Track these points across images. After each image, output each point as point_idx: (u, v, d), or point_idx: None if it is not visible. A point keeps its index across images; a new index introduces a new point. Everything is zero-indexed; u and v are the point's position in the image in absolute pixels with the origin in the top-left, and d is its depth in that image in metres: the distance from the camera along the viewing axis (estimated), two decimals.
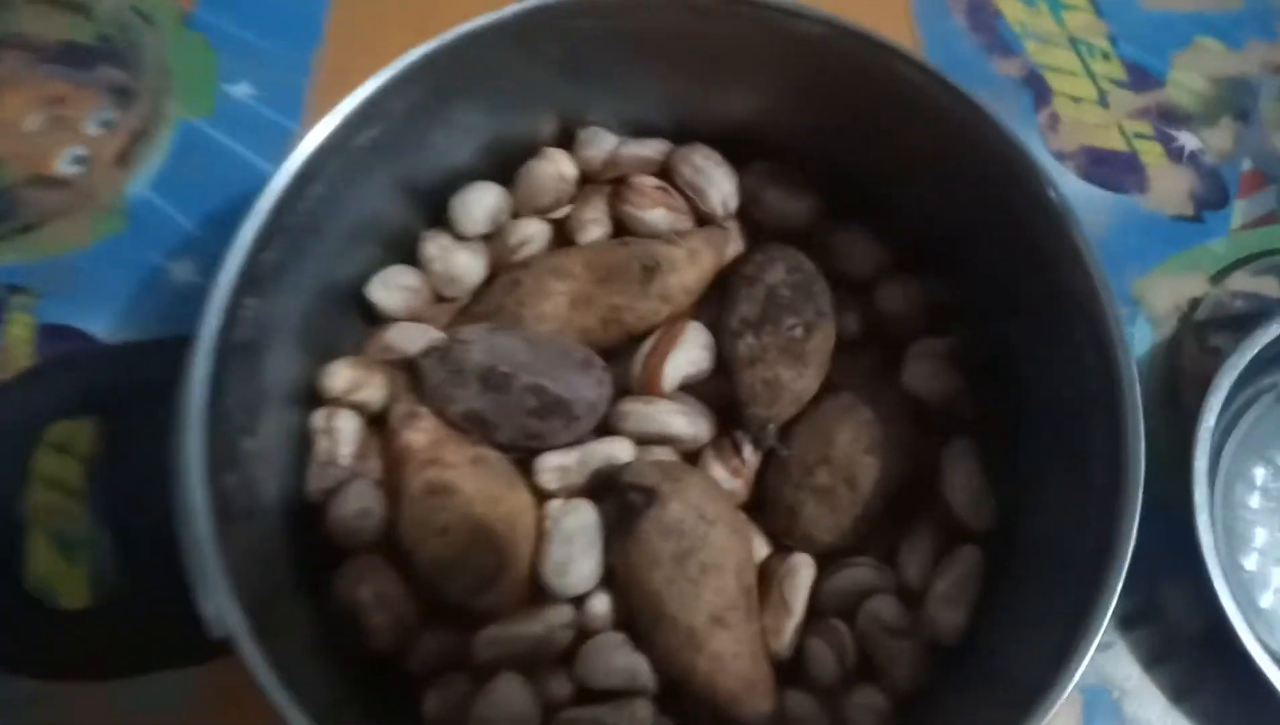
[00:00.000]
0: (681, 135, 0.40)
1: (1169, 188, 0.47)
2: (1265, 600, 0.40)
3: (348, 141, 0.31)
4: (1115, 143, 0.48)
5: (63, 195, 0.45)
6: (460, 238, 0.38)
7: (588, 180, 0.40)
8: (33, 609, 0.26)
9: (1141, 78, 0.50)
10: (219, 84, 0.47)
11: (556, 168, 0.38)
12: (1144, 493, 0.38)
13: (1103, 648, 0.39)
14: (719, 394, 0.37)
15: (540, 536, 0.34)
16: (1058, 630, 0.28)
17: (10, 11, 0.49)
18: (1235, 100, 0.50)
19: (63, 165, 0.45)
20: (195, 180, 0.45)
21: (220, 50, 0.48)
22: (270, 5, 0.48)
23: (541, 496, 0.35)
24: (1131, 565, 0.40)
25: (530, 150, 0.39)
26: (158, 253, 0.43)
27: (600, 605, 0.33)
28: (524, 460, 0.35)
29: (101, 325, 0.42)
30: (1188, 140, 0.49)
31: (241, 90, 0.47)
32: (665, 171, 0.39)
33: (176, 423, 0.27)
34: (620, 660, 0.32)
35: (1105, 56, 0.50)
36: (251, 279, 0.29)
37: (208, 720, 0.33)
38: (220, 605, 0.25)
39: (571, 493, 0.35)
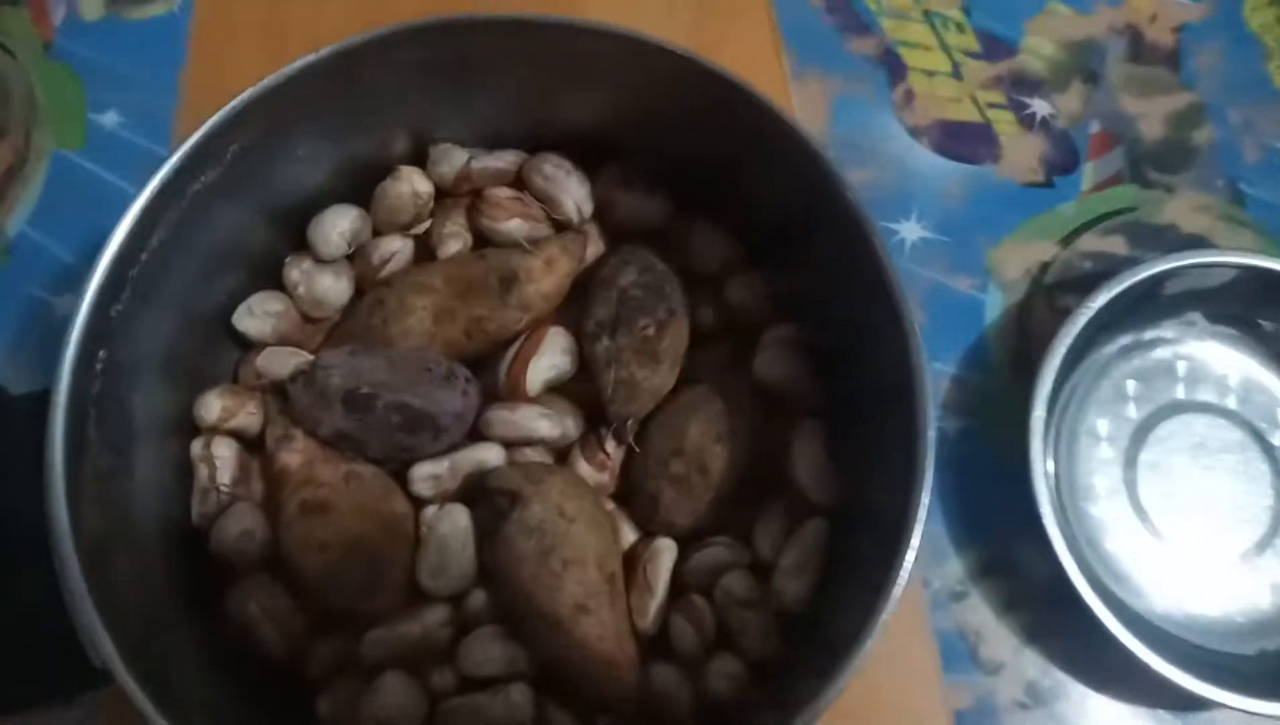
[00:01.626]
0: (534, 143, 0.41)
1: (1021, 156, 0.50)
2: (1110, 543, 0.43)
3: (182, 191, 0.33)
4: (969, 114, 0.50)
5: None
6: (321, 261, 0.40)
7: (444, 194, 0.41)
8: None
9: (994, 47, 0.52)
10: (88, 114, 0.47)
11: (411, 186, 0.40)
12: (1001, 457, 0.42)
13: (958, 598, 0.43)
14: (588, 392, 0.39)
15: (417, 541, 0.36)
16: (867, 594, 0.31)
17: None
18: (1085, 63, 0.52)
19: None
20: (72, 212, 0.46)
21: (86, 79, 0.48)
22: (130, 29, 0.49)
23: (417, 503, 0.37)
24: (985, 519, 0.44)
25: (385, 169, 0.40)
26: (40, 288, 0.45)
27: (477, 601, 0.36)
28: (400, 470, 0.37)
29: None
30: (1039, 106, 0.51)
31: (110, 119, 0.47)
32: (519, 181, 0.41)
33: (44, 477, 0.29)
34: (497, 650, 0.35)
35: (959, 28, 0.52)
36: (100, 333, 0.31)
37: None
38: (95, 640, 0.27)
39: (446, 498, 0.37)
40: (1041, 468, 0.40)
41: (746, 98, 0.34)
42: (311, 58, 0.33)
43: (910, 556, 0.30)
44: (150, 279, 0.32)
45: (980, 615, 0.42)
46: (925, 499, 0.30)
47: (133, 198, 0.31)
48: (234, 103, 0.32)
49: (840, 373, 0.39)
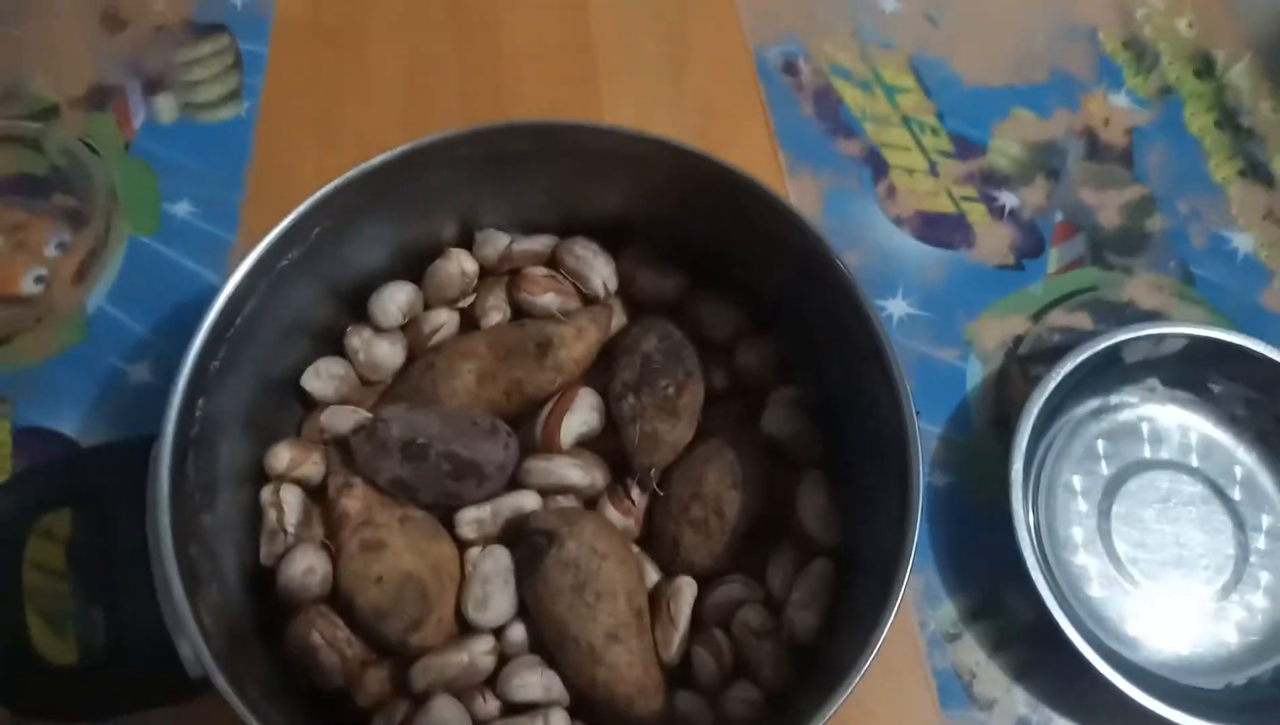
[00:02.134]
0: (566, 228, 0.47)
1: (992, 242, 0.56)
2: (1092, 590, 0.47)
3: (272, 266, 0.38)
4: (945, 206, 0.56)
5: (28, 311, 0.51)
6: (379, 330, 0.45)
7: (487, 273, 0.46)
8: (38, 668, 0.32)
9: (966, 147, 0.58)
10: (162, 204, 0.53)
11: (459, 265, 0.45)
12: (987, 508, 0.46)
13: (952, 638, 0.46)
14: (613, 447, 0.44)
15: (462, 579, 0.40)
16: (866, 621, 0.34)
17: None
18: (1047, 161, 0.58)
19: (26, 285, 0.51)
20: (146, 291, 0.51)
21: (161, 174, 0.54)
22: (202, 131, 0.55)
23: (462, 545, 0.41)
24: (974, 567, 0.48)
25: (436, 251, 0.46)
26: (117, 357, 0.49)
27: (517, 633, 0.40)
28: (446, 516, 0.42)
29: (72, 425, 0.48)
30: (1007, 199, 0.57)
31: (182, 208, 0.53)
32: (553, 261, 0.47)
33: (149, 506, 0.33)
34: (535, 677, 0.39)
35: (934, 131, 0.59)
36: (200, 385, 0.36)
37: None
38: (195, 649, 0.31)
39: (489, 540, 0.41)
40: (1023, 519, 0.44)
41: (753, 189, 0.40)
42: (387, 155, 0.39)
43: (902, 587, 0.34)
44: (241, 340, 0.37)
45: (973, 655, 0.46)
46: (915, 535, 0.34)
47: (230, 272, 0.36)
48: (322, 191, 0.38)
49: (838, 428, 0.43)
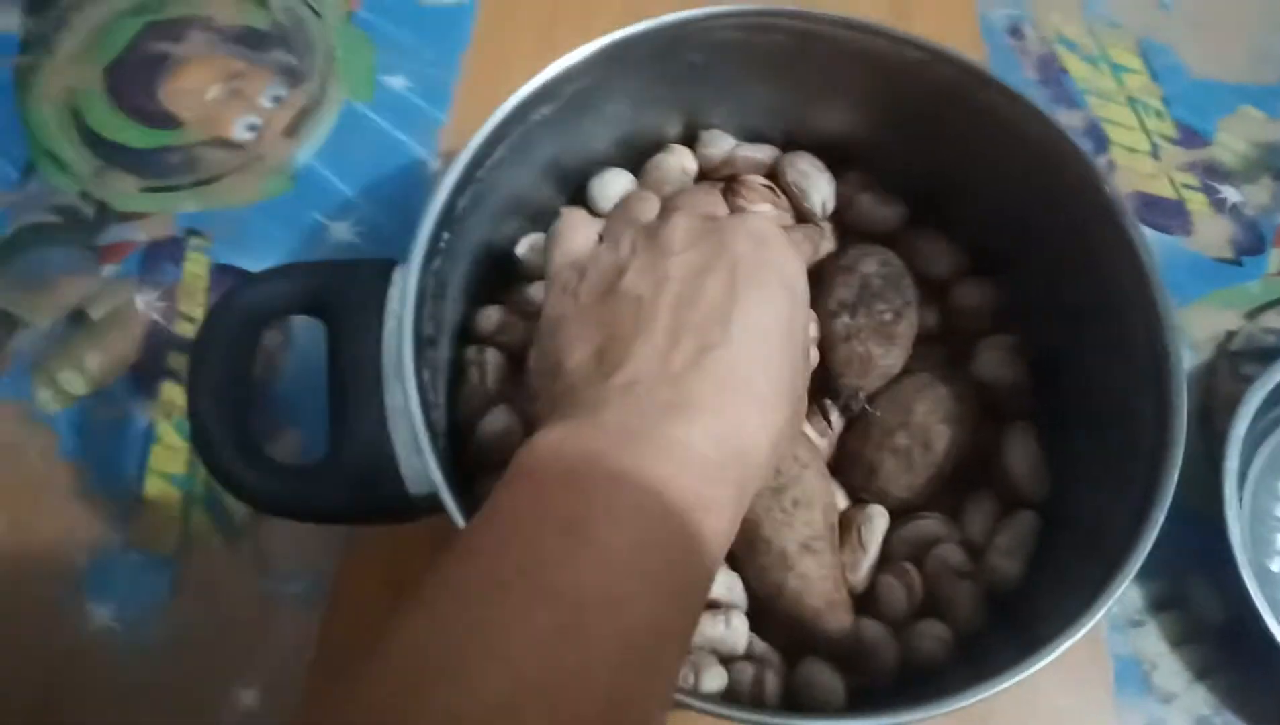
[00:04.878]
0: (787, 144, 0.46)
1: (1211, 233, 0.53)
2: None
3: (526, 116, 0.38)
4: (1164, 191, 0.54)
5: (238, 156, 0.51)
6: (594, 213, 0.44)
7: (705, 175, 0.45)
8: (267, 464, 0.32)
9: (1190, 136, 0.56)
10: (378, 75, 0.53)
11: (680, 161, 0.44)
12: (1176, 499, 0.44)
13: (1135, 625, 0.44)
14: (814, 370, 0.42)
15: None
16: (1090, 585, 0.32)
17: None
18: (1274, 163, 0.55)
19: (239, 131, 0.52)
20: (355, 155, 0.51)
21: (380, 46, 0.54)
22: (424, 12, 0.55)
23: None
24: (1164, 559, 0.45)
25: (658, 146, 0.45)
26: (319, 212, 0.50)
27: None
28: None
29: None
30: (1230, 193, 0.54)
31: (398, 81, 0.53)
32: (772, 174, 0.45)
33: (392, 325, 0.33)
34: (721, 575, 0.37)
35: (1159, 115, 0.56)
36: (447, 219, 0.35)
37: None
38: (425, 464, 0.31)
39: None
40: (1235, 515, 0.42)
41: (1021, 103, 0.38)
42: (651, 22, 0.38)
43: (1137, 565, 0.32)
44: (483, 189, 0.37)
45: (1156, 645, 0.43)
46: (1163, 513, 0.32)
47: (446, 129, 0.36)
48: (586, 49, 0.37)
49: (1053, 383, 0.41)
